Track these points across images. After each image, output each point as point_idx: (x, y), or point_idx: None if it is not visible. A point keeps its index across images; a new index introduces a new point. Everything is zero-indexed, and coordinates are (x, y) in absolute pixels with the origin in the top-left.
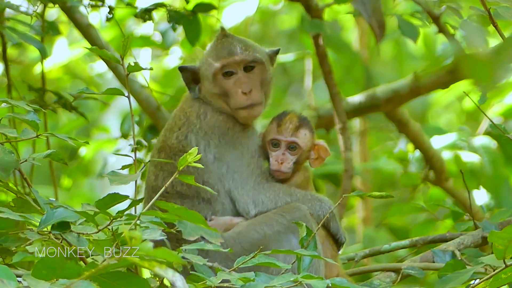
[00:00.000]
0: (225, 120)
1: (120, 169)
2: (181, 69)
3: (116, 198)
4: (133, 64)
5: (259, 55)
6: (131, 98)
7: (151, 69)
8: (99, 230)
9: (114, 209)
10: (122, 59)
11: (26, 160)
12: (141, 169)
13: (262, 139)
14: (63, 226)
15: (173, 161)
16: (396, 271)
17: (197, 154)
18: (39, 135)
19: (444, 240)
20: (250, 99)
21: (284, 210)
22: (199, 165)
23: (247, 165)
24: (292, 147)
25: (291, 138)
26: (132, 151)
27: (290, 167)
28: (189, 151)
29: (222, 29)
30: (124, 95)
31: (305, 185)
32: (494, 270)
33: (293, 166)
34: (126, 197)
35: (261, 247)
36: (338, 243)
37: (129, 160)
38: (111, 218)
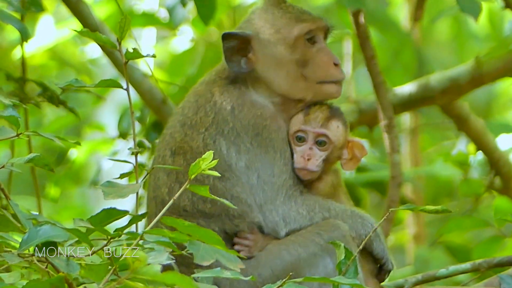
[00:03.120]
0: (263, 115)
1: (118, 178)
2: (227, 36)
3: (113, 213)
4: (132, 50)
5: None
6: (131, 89)
7: (153, 56)
8: (93, 252)
9: (111, 227)
10: (120, 44)
11: (3, 167)
12: (144, 177)
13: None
14: (49, 247)
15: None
16: None
17: (228, 161)
18: (20, 134)
19: None
20: (342, 73)
21: (322, 228)
22: (215, 173)
23: (279, 175)
24: (321, 141)
25: (321, 129)
26: (132, 154)
27: (318, 165)
28: (203, 156)
29: None
30: (122, 87)
31: (334, 193)
32: None
33: (322, 166)
34: (126, 212)
35: (291, 273)
36: (383, 270)
37: (129, 166)
38: (108, 238)
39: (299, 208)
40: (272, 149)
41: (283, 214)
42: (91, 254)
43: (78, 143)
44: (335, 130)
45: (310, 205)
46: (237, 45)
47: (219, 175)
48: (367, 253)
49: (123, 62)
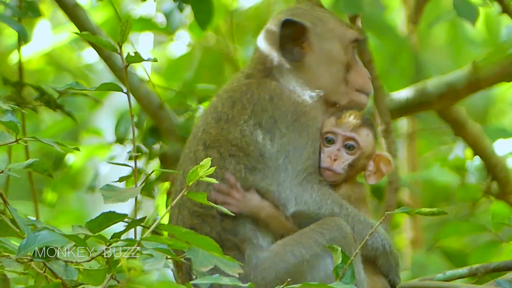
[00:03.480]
0: (303, 102)
1: (117, 181)
2: (288, 22)
3: (112, 217)
4: (133, 53)
5: None
6: (130, 95)
7: (155, 60)
8: (92, 258)
9: (108, 231)
10: (120, 47)
11: (2, 172)
12: (143, 182)
13: None
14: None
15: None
16: None
17: (262, 151)
18: (19, 140)
19: (510, 267)
20: (371, 87)
21: (324, 226)
22: (213, 180)
23: (305, 159)
24: (349, 145)
25: (351, 133)
26: (130, 159)
27: (343, 168)
28: (201, 163)
29: None
30: (122, 90)
31: (358, 205)
32: None
33: (347, 170)
34: (125, 216)
35: (294, 275)
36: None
37: (126, 170)
38: (107, 244)
39: (313, 193)
40: (306, 134)
41: (296, 193)
42: (90, 260)
43: (77, 149)
44: (365, 137)
45: (324, 194)
46: (293, 33)
47: (216, 181)
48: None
49: (124, 66)
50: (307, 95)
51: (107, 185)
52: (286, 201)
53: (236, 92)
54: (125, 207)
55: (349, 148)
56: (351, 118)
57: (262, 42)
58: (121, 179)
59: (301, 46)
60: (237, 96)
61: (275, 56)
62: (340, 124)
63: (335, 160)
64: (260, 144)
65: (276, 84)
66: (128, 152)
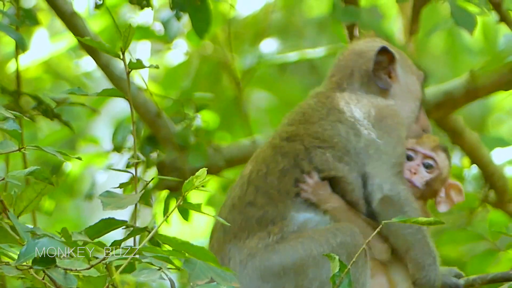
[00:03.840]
0: (392, 106)
1: (117, 187)
2: (384, 50)
3: (111, 223)
4: (135, 60)
5: None
6: (126, 103)
7: (156, 66)
8: (91, 266)
9: (107, 238)
10: (123, 53)
11: (3, 179)
12: (142, 189)
13: None
14: (47, 260)
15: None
16: None
17: (347, 146)
18: (22, 148)
19: (507, 279)
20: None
21: (339, 229)
22: (209, 190)
23: (398, 155)
24: (428, 164)
25: (431, 152)
26: (130, 166)
27: (422, 183)
28: (197, 174)
29: None
30: (124, 96)
31: None
32: None
33: (424, 188)
34: (124, 222)
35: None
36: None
37: (123, 179)
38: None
39: (406, 189)
40: (396, 135)
41: (393, 181)
42: (89, 268)
43: (79, 158)
44: (443, 159)
45: (412, 196)
46: (384, 62)
47: (212, 192)
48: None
49: (126, 72)
50: None
51: (106, 191)
52: (380, 185)
53: (308, 105)
54: (122, 216)
55: (427, 166)
56: (431, 140)
57: (346, 61)
58: (121, 185)
59: (389, 75)
60: (308, 106)
61: (362, 78)
62: (421, 143)
63: (414, 173)
64: (344, 137)
65: (361, 94)
66: (129, 159)
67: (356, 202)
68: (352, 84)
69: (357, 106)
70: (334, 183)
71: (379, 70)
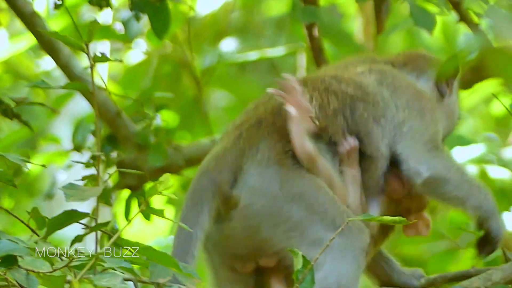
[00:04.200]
0: (426, 94)
1: (80, 180)
2: None
3: (74, 216)
4: (99, 54)
5: None
6: (87, 103)
7: (120, 60)
8: (54, 270)
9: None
10: (87, 46)
11: None
12: (104, 182)
13: None
14: (8, 260)
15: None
16: None
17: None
18: None
19: (468, 277)
20: None
21: (352, 216)
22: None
23: (432, 134)
24: None
25: None
26: (87, 166)
27: None
28: (160, 179)
29: None
30: (88, 89)
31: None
32: None
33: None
34: (86, 214)
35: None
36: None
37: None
38: (70, 258)
39: (442, 160)
40: (430, 117)
41: (427, 159)
42: (52, 272)
43: (44, 166)
44: None
45: (451, 161)
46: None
47: (176, 197)
48: None
49: (90, 65)
50: None
51: (69, 183)
52: (417, 166)
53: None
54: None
55: None
56: None
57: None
58: (84, 178)
59: (447, 85)
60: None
61: (424, 79)
62: None
63: None
64: (385, 100)
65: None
66: (93, 154)
67: (374, 178)
68: (412, 73)
69: (403, 83)
70: (361, 155)
71: (443, 81)
